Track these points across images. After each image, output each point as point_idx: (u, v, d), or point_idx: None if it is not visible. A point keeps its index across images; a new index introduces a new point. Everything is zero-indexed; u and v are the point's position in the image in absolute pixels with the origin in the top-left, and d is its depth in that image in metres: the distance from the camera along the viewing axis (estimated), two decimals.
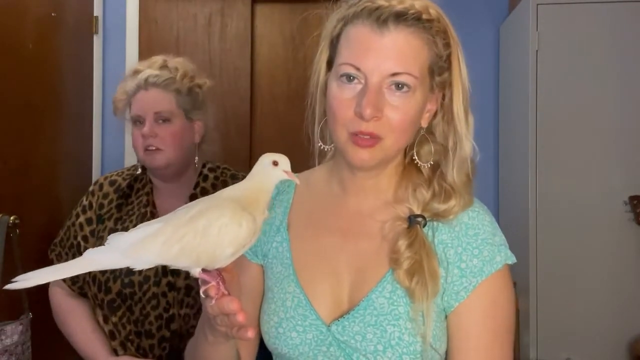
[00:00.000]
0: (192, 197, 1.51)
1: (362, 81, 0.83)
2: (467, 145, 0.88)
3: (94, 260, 0.70)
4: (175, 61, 1.53)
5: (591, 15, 2.30)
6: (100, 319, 1.51)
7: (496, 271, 0.88)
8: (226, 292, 0.76)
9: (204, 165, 1.59)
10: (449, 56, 0.87)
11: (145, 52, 2.77)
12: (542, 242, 2.31)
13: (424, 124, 0.91)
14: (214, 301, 0.75)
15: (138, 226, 0.74)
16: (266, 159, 0.78)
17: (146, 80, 1.47)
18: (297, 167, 1.04)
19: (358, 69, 0.83)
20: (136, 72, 1.50)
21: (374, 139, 0.84)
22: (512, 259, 0.91)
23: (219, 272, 0.78)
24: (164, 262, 0.72)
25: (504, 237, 0.93)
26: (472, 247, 0.89)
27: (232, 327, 0.76)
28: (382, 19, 0.82)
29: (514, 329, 0.92)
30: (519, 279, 2.41)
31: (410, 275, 0.85)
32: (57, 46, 2.29)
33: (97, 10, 2.70)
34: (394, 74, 0.82)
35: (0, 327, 1.58)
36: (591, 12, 2.30)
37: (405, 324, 0.86)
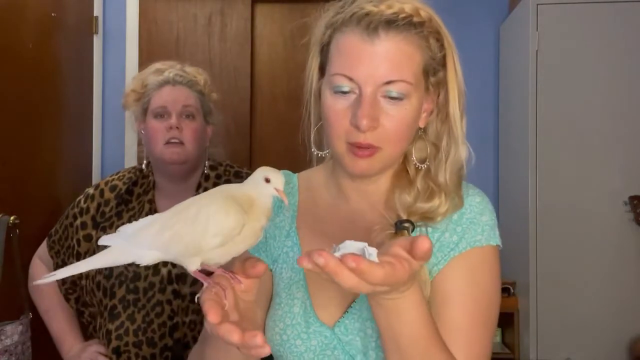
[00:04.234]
0: None
1: (356, 91, 0.82)
2: (462, 147, 0.87)
3: (111, 253, 0.72)
4: (192, 69, 1.58)
5: (591, 15, 2.31)
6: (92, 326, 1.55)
7: (475, 247, 0.86)
8: (226, 304, 0.70)
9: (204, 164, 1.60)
10: (443, 57, 0.85)
11: (145, 52, 2.78)
12: (542, 242, 2.31)
13: (422, 124, 0.90)
14: (212, 325, 0.67)
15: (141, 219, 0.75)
16: (259, 173, 0.75)
17: (173, 77, 1.51)
18: (296, 167, 1.04)
19: (351, 79, 0.82)
20: (159, 70, 1.53)
21: (372, 149, 0.83)
22: (496, 241, 0.88)
23: (233, 274, 0.74)
24: (157, 249, 0.70)
25: (494, 220, 0.91)
26: (455, 226, 0.88)
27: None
28: (372, 26, 0.80)
29: (496, 314, 0.88)
30: (519, 279, 2.42)
31: None
32: (57, 46, 2.29)
33: (97, 11, 2.70)
34: (388, 82, 0.81)
35: (0, 327, 1.58)
36: (591, 12, 2.30)
37: None
